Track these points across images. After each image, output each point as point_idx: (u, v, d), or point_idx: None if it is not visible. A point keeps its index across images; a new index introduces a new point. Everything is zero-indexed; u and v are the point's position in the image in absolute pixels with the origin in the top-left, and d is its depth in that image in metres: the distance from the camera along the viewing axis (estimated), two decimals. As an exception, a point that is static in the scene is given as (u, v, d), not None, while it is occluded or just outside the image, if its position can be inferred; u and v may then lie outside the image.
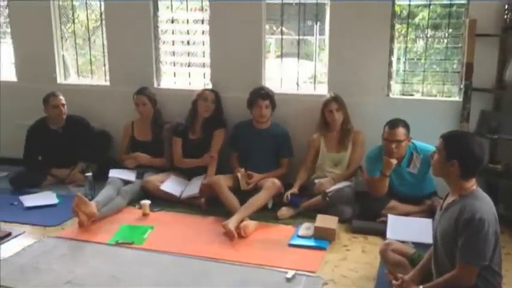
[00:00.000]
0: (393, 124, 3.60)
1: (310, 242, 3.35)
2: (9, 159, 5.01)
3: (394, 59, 4.20)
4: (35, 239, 3.46)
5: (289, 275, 2.89)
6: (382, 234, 3.38)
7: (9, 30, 5.17)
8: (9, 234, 3.47)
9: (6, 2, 5.10)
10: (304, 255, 3.21)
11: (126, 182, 4.20)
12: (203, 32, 4.66)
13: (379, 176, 3.65)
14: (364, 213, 3.71)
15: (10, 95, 5.11)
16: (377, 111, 4.09)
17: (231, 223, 3.47)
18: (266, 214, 3.79)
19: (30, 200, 4.11)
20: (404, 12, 4.19)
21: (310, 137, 4.16)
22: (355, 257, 3.18)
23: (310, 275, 2.92)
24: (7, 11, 5.14)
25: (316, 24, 4.48)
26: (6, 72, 5.31)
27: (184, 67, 4.81)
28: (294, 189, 3.92)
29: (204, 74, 4.74)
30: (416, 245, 2.92)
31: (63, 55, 5.09)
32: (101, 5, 4.85)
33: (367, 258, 3.15)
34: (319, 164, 4.11)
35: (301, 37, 4.50)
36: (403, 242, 2.92)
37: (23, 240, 3.44)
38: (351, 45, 4.15)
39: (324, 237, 3.37)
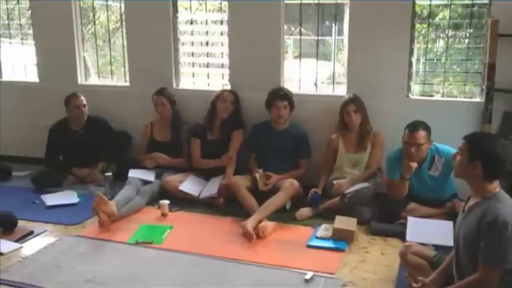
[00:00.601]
0: (413, 127, 3.53)
1: (329, 244, 3.33)
2: (31, 158, 5.10)
3: (413, 59, 4.16)
4: (57, 237, 3.51)
5: (307, 276, 2.88)
6: (401, 236, 3.35)
7: (31, 31, 5.25)
8: (31, 232, 3.53)
9: (28, 4, 5.19)
10: (322, 256, 3.20)
11: (145, 182, 4.24)
12: (222, 33, 4.68)
13: (399, 178, 3.61)
14: (383, 215, 3.68)
15: (32, 95, 5.20)
16: (397, 112, 4.06)
17: (250, 224, 3.47)
18: (284, 215, 3.78)
19: (51, 199, 4.18)
20: (425, 12, 4.15)
21: (329, 138, 4.15)
22: (375, 259, 3.16)
23: (329, 277, 2.91)
24: (29, 12, 5.23)
25: (335, 24, 4.46)
26: (29, 73, 5.39)
27: (203, 68, 4.84)
28: (317, 190, 3.93)
29: (223, 75, 4.76)
30: (437, 247, 2.89)
31: (83, 56, 5.15)
32: (121, 6, 4.90)
33: (386, 260, 3.13)
34: (338, 164, 4.09)
35: (319, 37, 4.49)
36: (423, 244, 2.88)
37: (44, 238, 3.50)
38: (371, 46, 4.13)
39: (342, 239, 3.35)
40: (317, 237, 3.42)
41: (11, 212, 3.60)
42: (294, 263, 3.08)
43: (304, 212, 3.81)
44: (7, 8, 5.33)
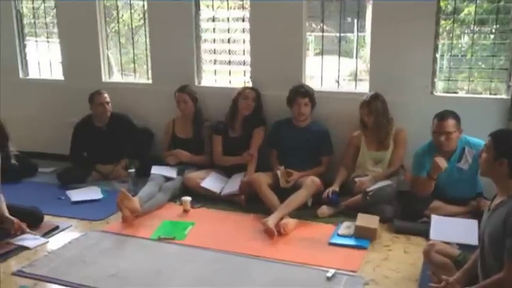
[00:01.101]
0: (442, 116, 3.47)
1: (351, 241, 3.31)
2: (56, 155, 5.19)
3: (438, 55, 4.09)
4: (81, 232, 3.57)
5: (329, 274, 2.87)
6: (424, 234, 3.32)
7: (56, 30, 5.33)
8: (57, 227, 3.60)
9: (53, 3, 5.27)
10: (344, 254, 3.19)
11: (168, 179, 4.27)
12: (243, 30, 4.69)
13: (426, 177, 3.53)
14: (406, 213, 3.64)
15: (57, 93, 5.29)
16: (421, 109, 4.01)
17: (271, 220, 3.48)
18: (306, 212, 3.77)
19: (76, 195, 4.25)
20: (450, 8, 4.09)
21: (351, 135, 4.12)
22: (397, 257, 3.13)
23: (351, 274, 2.89)
24: (54, 11, 5.31)
25: (358, 21, 4.42)
26: (54, 71, 5.48)
27: (224, 65, 4.85)
28: (335, 187, 3.88)
29: (244, 72, 4.76)
30: (461, 246, 2.85)
31: (107, 54, 5.21)
32: (144, 4, 4.94)
33: (409, 258, 3.10)
34: (360, 162, 4.06)
35: (341, 34, 4.45)
36: (447, 243, 2.85)
37: (69, 233, 3.56)
38: (394, 42, 4.08)
39: (364, 237, 3.33)
40: (339, 235, 3.40)
41: (38, 207, 3.67)
42: (315, 260, 3.07)
43: (326, 209, 3.80)
44: (33, 7, 5.43)
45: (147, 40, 4.97)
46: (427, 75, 4.07)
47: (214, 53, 4.85)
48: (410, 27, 4.00)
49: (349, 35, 4.82)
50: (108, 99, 4.73)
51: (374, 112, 3.91)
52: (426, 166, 3.54)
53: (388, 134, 3.95)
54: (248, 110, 4.37)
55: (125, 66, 5.34)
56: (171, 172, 4.36)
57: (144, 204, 3.82)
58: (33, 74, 5.55)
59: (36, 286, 2.84)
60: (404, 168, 3.94)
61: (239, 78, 4.79)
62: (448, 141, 3.46)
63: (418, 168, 3.63)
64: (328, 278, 2.85)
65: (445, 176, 3.56)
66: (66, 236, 3.51)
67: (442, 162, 3.45)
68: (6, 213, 3.37)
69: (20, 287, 2.79)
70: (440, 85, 4.20)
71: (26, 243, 3.30)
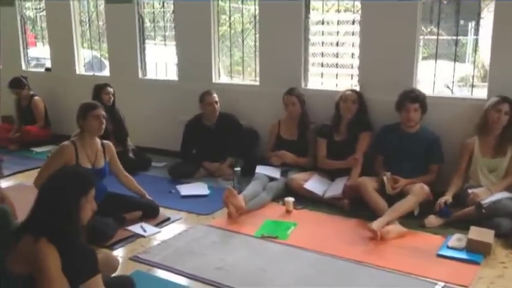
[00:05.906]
0: None
1: (462, 255, 3.14)
2: (168, 151, 5.50)
3: None
4: (190, 225, 3.76)
5: (438, 287, 2.75)
6: (546, 253, 3.06)
7: (168, 33, 5.64)
8: (168, 219, 3.83)
9: (172, 8, 5.59)
10: (454, 267, 3.03)
11: (271, 179, 4.34)
12: (353, 33, 4.64)
13: None
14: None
15: (171, 93, 5.61)
16: (545, 119, 3.70)
17: (375, 224, 3.41)
18: (412, 221, 3.63)
19: (185, 189, 4.48)
20: None
21: (464, 141, 3.90)
22: (514, 275, 2.92)
23: (462, 290, 2.76)
24: (169, 16, 5.62)
25: (477, 23, 4.19)
26: (169, 72, 5.83)
27: (331, 68, 4.83)
28: (448, 197, 3.69)
29: (352, 76, 4.71)
30: None
31: (218, 56, 5.43)
32: (255, 8, 5.07)
33: (528, 278, 2.87)
34: (472, 170, 3.84)
35: (454, 37, 4.24)
36: None
37: (179, 225, 3.77)
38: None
39: (477, 251, 3.13)
40: (448, 247, 3.24)
41: (155, 201, 3.93)
42: (423, 271, 2.96)
43: (434, 219, 3.63)
44: (153, 12, 5.81)
45: (256, 43, 5.09)
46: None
47: (322, 56, 4.85)
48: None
49: (461, 37, 4.58)
50: (217, 99, 4.92)
51: (509, 112, 3.69)
52: None
53: (510, 138, 3.71)
54: (350, 113, 4.32)
55: (231, 67, 5.51)
56: (275, 172, 4.43)
57: (248, 202, 3.92)
58: (151, 74, 5.93)
59: (150, 272, 3.04)
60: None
61: (346, 82, 4.74)
62: None
63: None
64: (437, 291, 2.74)
65: None
66: (176, 227, 3.72)
67: None
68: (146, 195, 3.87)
69: (136, 271, 3.00)
70: None
71: (141, 232, 3.56)
